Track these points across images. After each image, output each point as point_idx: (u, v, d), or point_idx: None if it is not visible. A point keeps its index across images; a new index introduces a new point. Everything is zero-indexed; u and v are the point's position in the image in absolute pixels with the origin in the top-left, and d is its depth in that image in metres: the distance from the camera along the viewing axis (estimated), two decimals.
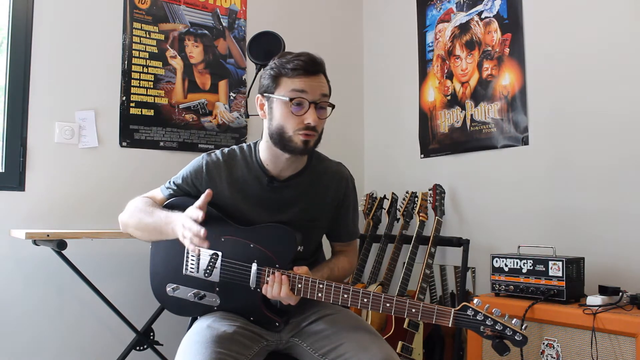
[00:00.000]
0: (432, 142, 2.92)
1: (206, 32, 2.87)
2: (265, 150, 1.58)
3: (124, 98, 2.62)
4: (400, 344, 2.35)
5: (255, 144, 1.63)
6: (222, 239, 1.54)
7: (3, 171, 2.34)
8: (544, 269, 1.95)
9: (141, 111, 2.66)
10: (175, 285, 1.60)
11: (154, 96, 2.69)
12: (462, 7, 2.79)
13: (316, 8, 3.27)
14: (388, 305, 1.42)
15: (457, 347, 2.45)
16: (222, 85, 2.90)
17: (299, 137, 1.48)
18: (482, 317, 1.35)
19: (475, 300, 1.37)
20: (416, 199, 2.73)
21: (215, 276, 1.55)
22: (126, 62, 2.63)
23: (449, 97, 2.84)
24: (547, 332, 1.88)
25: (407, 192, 2.80)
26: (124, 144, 2.61)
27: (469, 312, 1.36)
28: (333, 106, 1.54)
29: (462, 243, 2.55)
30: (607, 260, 2.13)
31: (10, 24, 2.38)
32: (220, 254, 1.54)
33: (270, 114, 1.53)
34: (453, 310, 1.37)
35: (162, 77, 2.72)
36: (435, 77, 2.93)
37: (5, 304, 2.30)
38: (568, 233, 2.27)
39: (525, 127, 2.47)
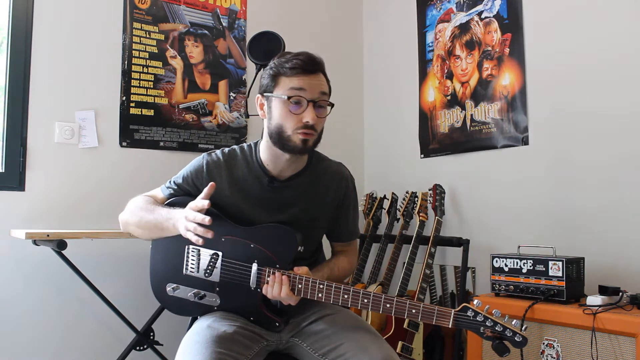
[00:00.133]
0: (432, 142, 2.92)
1: (206, 32, 2.87)
2: (265, 150, 1.58)
3: (124, 98, 2.62)
4: (400, 344, 2.35)
5: (256, 143, 1.63)
6: (223, 239, 1.54)
7: (3, 171, 2.34)
8: (544, 269, 1.95)
9: (141, 111, 2.66)
10: (175, 285, 1.60)
11: (154, 96, 2.69)
12: (462, 7, 2.79)
13: (316, 8, 3.27)
14: (388, 305, 1.42)
15: (457, 348, 2.45)
16: (222, 85, 2.90)
17: (297, 136, 1.48)
18: (482, 318, 1.35)
19: (475, 301, 1.37)
20: (416, 199, 2.73)
21: (216, 276, 1.55)
22: (126, 62, 2.63)
23: (449, 97, 2.84)
24: (547, 332, 1.88)
25: (407, 192, 2.80)
26: (124, 144, 2.61)
27: (469, 313, 1.36)
28: (332, 105, 1.54)
29: (462, 243, 2.55)
30: (607, 260, 2.13)
31: (10, 24, 2.38)
32: (220, 253, 1.54)
33: (269, 114, 1.53)
34: (453, 311, 1.37)
35: (162, 77, 2.72)
36: (435, 77, 2.93)
37: (5, 304, 2.30)
38: (568, 233, 2.27)
39: (525, 127, 2.47)
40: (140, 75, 2.66)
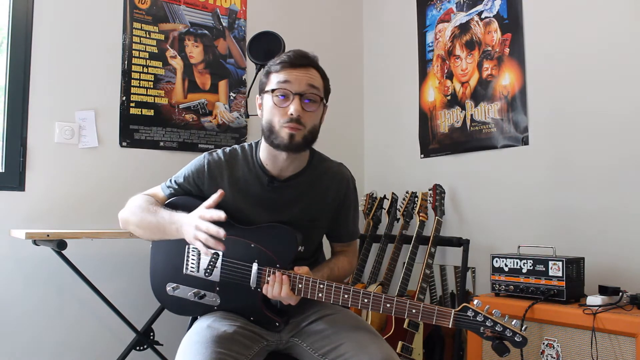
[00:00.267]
0: (432, 142, 2.92)
1: (206, 32, 2.87)
2: (264, 150, 1.58)
3: (124, 98, 2.62)
4: (400, 344, 2.35)
5: (257, 143, 1.63)
6: (223, 239, 1.54)
7: (3, 171, 2.34)
8: (544, 269, 1.95)
9: (141, 111, 2.66)
10: (175, 284, 1.60)
11: (154, 96, 2.69)
12: (462, 7, 2.79)
13: (316, 8, 3.27)
14: (388, 305, 1.42)
15: (457, 348, 2.45)
16: (222, 85, 2.90)
17: (284, 130, 1.48)
18: (482, 318, 1.35)
19: (475, 301, 1.37)
20: (416, 199, 2.73)
21: (216, 276, 1.55)
22: (126, 62, 2.63)
23: (449, 97, 2.84)
24: (547, 332, 1.88)
25: (407, 192, 2.80)
26: (124, 144, 2.61)
27: (469, 313, 1.36)
28: (322, 98, 1.53)
29: (462, 243, 2.55)
30: (607, 260, 2.13)
31: (10, 24, 2.38)
32: (220, 253, 1.54)
33: (262, 111, 1.55)
34: (453, 311, 1.37)
35: (162, 77, 2.72)
36: (435, 77, 2.93)
37: (5, 304, 2.30)
38: (568, 233, 2.27)
39: (525, 127, 2.47)
40: (140, 75, 2.66)
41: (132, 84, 2.64)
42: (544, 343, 1.89)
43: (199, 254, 1.57)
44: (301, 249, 1.54)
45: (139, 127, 2.65)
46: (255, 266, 1.51)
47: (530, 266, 1.99)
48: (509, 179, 2.53)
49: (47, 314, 2.38)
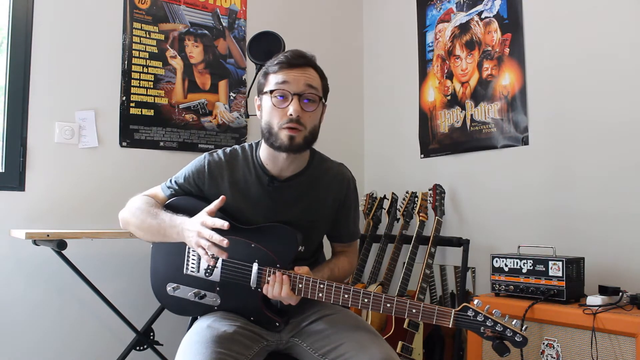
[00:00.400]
0: (432, 142, 2.92)
1: (206, 32, 2.87)
2: (264, 150, 1.58)
3: (124, 98, 2.62)
4: (400, 344, 2.35)
5: (257, 143, 1.63)
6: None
7: (3, 171, 2.34)
8: (544, 269, 1.95)
9: (141, 111, 2.66)
10: (175, 284, 1.60)
11: (154, 96, 2.69)
12: (462, 7, 2.79)
13: (316, 8, 3.27)
14: (388, 305, 1.42)
15: (457, 348, 2.45)
16: (222, 85, 2.90)
17: (284, 132, 1.48)
18: (483, 318, 1.35)
19: (475, 301, 1.37)
20: (416, 199, 2.73)
21: (216, 276, 1.55)
22: (126, 62, 2.63)
23: (449, 97, 2.84)
24: (547, 332, 1.88)
25: (407, 192, 2.80)
26: (124, 144, 2.61)
27: (470, 313, 1.36)
28: (320, 98, 1.53)
29: (462, 243, 2.56)
30: (607, 260, 2.13)
31: (10, 24, 2.38)
32: None
33: (261, 112, 1.55)
34: (453, 311, 1.37)
35: (162, 77, 2.72)
36: (435, 77, 2.93)
37: (6, 304, 2.30)
38: (568, 233, 2.28)
39: (525, 127, 2.47)
40: (140, 75, 2.66)
41: (132, 84, 2.64)
42: (544, 343, 1.89)
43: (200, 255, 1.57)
44: (301, 249, 1.54)
45: (139, 127, 2.65)
46: (255, 266, 1.51)
47: (530, 266, 1.99)
48: (509, 179, 2.53)
49: (47, 314, 2.38)
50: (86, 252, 2.41)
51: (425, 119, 2.96)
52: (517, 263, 2.03)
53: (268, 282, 1.48)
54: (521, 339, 1.33)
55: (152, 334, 2.37)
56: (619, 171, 2.13)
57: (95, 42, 2.56)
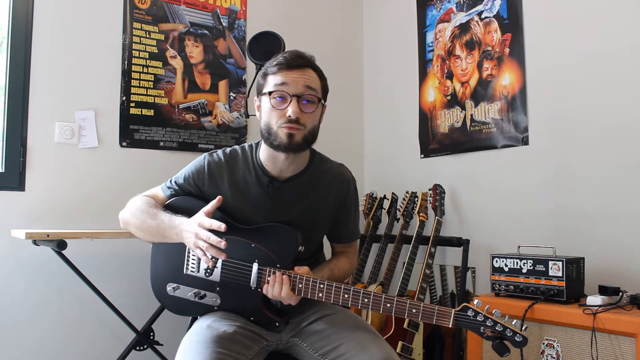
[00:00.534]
0: (432, 142, 2.92)
1: (206, 32, 2.87)
2: (264, 151, 1.58)
3: (124, 98, 2.62)
4: (400, 344, 2.35)
5: (257, 144, 1.63)
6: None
7: (3, 171, 2.34)
8: (544, 269, 1.95)
9: (141, 111, 2.66)
10: (175, 284, 1.60)
11: (154, 96, 2.69)
12: (462, 7, 2.79)
13: (316, 8, 3.27)
14: (388, 305, 1.42)
15: (457, 347, 2.45)
16: (222, 85, 2.90)
17: (282, 131, 1.48)
18: (483, 318, 1.35)
19: (475, 301, 1.37)
20: (416, 199, 2.73)
21: (216, 276, 1.55)
22: (126, 62, 2.63)
23: (449, 97, 2.84)
24: (547, 332, 1.88)
25: (407, 192, 2.80)
26: (124, 144, 2.61)
27: (469, 313, 1.36)
28: (319, 99, 1.53)
29: (462, 243, 2.56)
30: (607, 260, 2.13)
31: (10, 24, 2.38)
32: None
33: (260, 113, 1.55)
34: (453, 311, 1.37)
35: (162, 77, 2.72)
36: (435, 77, 2.93)
37: (6, 304, 2.30)
38: (568, 233, 2.27)
39: (525, 127, 2.47)
40: (140, 75, 2.66)
41: (132, 84, 2.64)
42: (544, 343, 1.89)
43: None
44: (301, 249, 1.54)
45: (139, 127, 2.65)
46: (255, 266, 1.51)
47: (530, 266, 1.99)
48: (509, 179, 2.53)
49: (47, 314, 2.38)
50: (86, 252, 2.41)
51: (425, 119, 2.96)
52: (517, 263, 2.03)
53: (268, 282, 1.48)
54: (521, 339, 1.33)
55: (152, 334, 2.37)
56: (619, 171, 2.13)
57: (95, 42, 2.56)
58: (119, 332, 2.43)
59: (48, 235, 2.02)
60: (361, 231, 2.88)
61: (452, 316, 1.37)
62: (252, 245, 1.53)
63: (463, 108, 2.76)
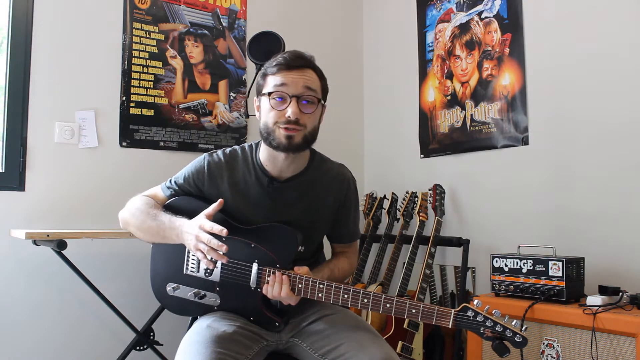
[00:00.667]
0: (432, 142, 2.92)
1: (206, 32, 2.87)
2: (264, 151, 1.58)
3: (124, 98, 2.62)
4: (400, 344, 2.35)
5: (257, 144, 1.63)
6: (223, 239, 1.54)
7: (3, 171, 2.34)
8: (544, 269, 1.95)
9: (141, 111, 2.66)
10: (175, 284, 1.60)
11: (154, 96, 2.69)
12: (462, 7, 2.79)
13: (316, 8, 3.27)
14: (388, 305, 1.42)
15: (457, 348, 2.45)
16: (222, 85, 2.90)
17: (281, 132, 1.48)
18: (482, 319, 1.35)
19: (475, 301, 1.37)
20: (416, 199, 2.73)
21: (216, 276, 1.55)
22: (126, 62, 2.63)
23: (449, 97, 2.84)
24: (547, 332, 1.88)
25: (407, 192, 2.80)
26: (124, 144, 2.61)
27: (469, 313, 1.36)
28: (319, 100, 1.53)
29: (462, 243, 2.55)
30: (607, 260, 2.13)
31: (10, 24, 2.38)
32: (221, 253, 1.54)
33: (260, 113, 1.55)
34: (453, 311, 1.37)
35: (162, 77, 2.72)
36: (435, 77, 2.93)
37: (6, 304, 2.30)
38: (568, 233, 2.27)
39: (525, 127, 2.47)
40: (140, 75, 2.66)
41: (132, 84, 2.64)
42: (544, 343, 1.89)
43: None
44: (301, 249, 1.54)
45: (139, 127, 2.65)
46: (255, 266, 1.51)
47: (530, 266, 1.99)
48: (509, 179, 2.53)
49: (47, 314, 2.39)
50: (86, 252, 2.41)
51: (425, 119, 2.96)
52: (517, 263, 2.03)
53: (268, 282, 1.48)
54: (521, 339, 1.33)
55: (152, 334, 2.37)
56: (619, 171, 2.13)
57: (95, 42, 2.56)
58: (119, 332, 2.43)
59: (48, 235, 2.02)
60: (361, 231, 2.88)
61: (451, 316, 1.37)
62: (252, 245, 1.53)
63: (463, 108, 2.76)
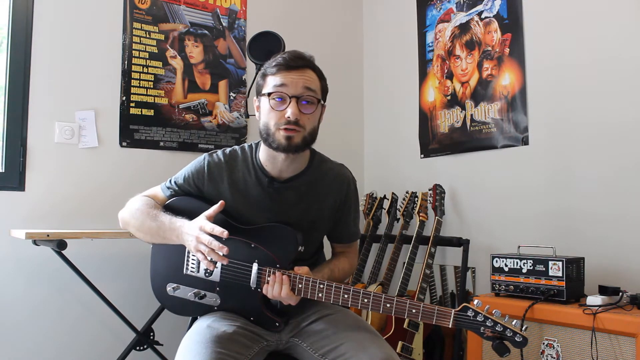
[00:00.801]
0: (432, 142, 2.92)
1: (206, 32, 2.87)
2: (263, 151, 1.58)
3: (124, 98, 2.62)
4: (400, 344, 2.35)
5: (257, 144, 1.63)
6: (223, 239, 1.54)
7: (3, 171, 2.34)
8: (544, 269, 1.95)
9: (141, 111, 2.66)
10: (175, 284, 1.60)
11: (154, 96, 2.69)
12: (462, 7, 2.79)
13: (316, 8, 3.27)
14: (388, 305, 1.42)
15: (457, 348, 2.45)
16: (222, 85, 2.90)
17: (281, 133, 1.48)
18: (482, 318, 1.35)
19: (475, 301, 1.37)
20: (416, 199, 2.73)
21: (216, 276, 1.55)
22: (126, 62, 2.63)
23: (449, 97, 2.84)
24: (547, 332, 1.88)
25: (407, 192, 2.80)
26: (124, 144, 2.61)
27: (469, 313, 1.36)
28: (319, 100, 1.53)
29: (462, 243, 2.55)
30: (607, 260, 2.13)
31: (10, 24, 2.38)
32: (221, 253, 1.54)
33: (259, 113, 1.55)
34: (453, 311, 1.37)
35: (162, 77, 2.72)
36: (435, 77, 2.93)
37: (6, 304, 2.30)
38: (568, 233, 2.27)
39: (525, 127, 2.47)
40: (140, 75, 2.66)
41: (132, 84, 2.64)
42: (544, 343, 1.89)
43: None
44: (301, 249, 1.54)
45: (139, 127, 2.65)
46: (255, 266, 1.51)
47: (530, 266, 1.99)
48: (509, 179, 2.53)
49: (47, 314, 2.38)
50: (86, 252, 2.41)
51: (425, 119, 2.96)
52: (517, 263, 2.03)
53: (268, 282, 1.48)
54: (521, 339, 1.33)
55: (152, 334, 2.37)
56: (619, 171, 2.13)
57: (95, 42, 2.56)
58: (119, 332, 2.44)
59: (48, 235, 2.02)
60: (361, 231, 2.88)
61: (452, 316, 1.37)
62: (252, 245, 1.53)
63: (463, 108, 2.76)
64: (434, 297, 2.82)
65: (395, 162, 3.15)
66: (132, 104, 2.64)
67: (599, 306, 1.80)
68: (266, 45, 2.45)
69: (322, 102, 1.56)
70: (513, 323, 1.35)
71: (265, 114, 1.52)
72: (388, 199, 2.90)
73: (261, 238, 1.53)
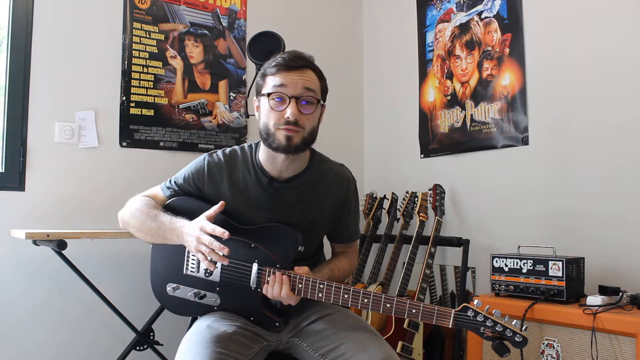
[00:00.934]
0: (432, 142, 2.92)
1: (206, 32, 2.87)
2: (263, 152, 1.58)
3: (124, 98, 2.62)
4: (400, 344, 2.35)
5: (257, 144, 1.63)
6: (223, 239, 1.54)
7: (3, 171, 2.34)
8: (544, 269, 1.95)
9: (141, 111, 2.66)
10: (175, 284, 1.60)
11: (154, 96, 2.69)
12: (462, 7, 2.79)
13: (316, 8, 3.27)
14: (388, 305, 1.42)
15: (457, 348, 2.45)
16: (222, 85, 2.90)
17: (281, 133, 1.48)
18: (482, 318, 1.35)
19: (475, 301, 1.37)
20: (416, 199, 2.73)
21: (216, 276, 1.55)
22: (126, 62, 2.63)
23: (449, 97, 2.84)
24: (547, 332, 1.88)
25: (407, 192, 2.80)
26: (124, 144, 2.61)
27: (469, 313, 1.36)
28: (318, 101, 1.53)
29: (462, 243, 2.55)
30: (607, 260, 2.13)
31: (10, 24, 2.38)
32: (221, 253, 1.54)
33: (259, 113, 1.55)
34: (453, 311, 1.37)
35: (162, 77, 2.72)
36: (435, 77, 2.93)
37: (6, 304, 2.30)
38: (568, 233, 2.27)
39: (525, 127, 2.47)
40: (140, 75, 2.66)
41: (132, 84, 2.64)
42: (544, 343, 1.89)
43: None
44: (301, 249, 1.54)
45: (139, 127, 2.65)
46: (255, 266, 1.51)
47: (530, 266, 1.99)
48: (509, 179, 2.53)
49: (47, 314, 2.38)
50: (86, 252, 2.41)
51: (425, 119, 2.96)
52: (517, 263, 2.03)
53: (268, 282, 1.48)
54: (521, 339, 1.33)
55: (152, 334, 2.37)
56: (619, 171, 2.13)
57: (95, 42, 2.56)
58: (119, 332, 2.44)
59: (48, 235, 2.02)
60: (361, 231, 2.88)
61: (452, 316, 1.37)
62: (252, 245, 1.53)
63: (463, 108, 2.76)
64: (434, 297, 2.82)
65: (395, 162, 3.15)
66: (132, 104, 2.64)
67: (599, 306, 1.80)
68: (266, 45, 2.45)
69: (322, 102, 1.56)
70: (513, 323, 1.35)
71: (265, 114, 1.52)
72: (388, 199, 2.91)
73: (261, 238, 1.53)
